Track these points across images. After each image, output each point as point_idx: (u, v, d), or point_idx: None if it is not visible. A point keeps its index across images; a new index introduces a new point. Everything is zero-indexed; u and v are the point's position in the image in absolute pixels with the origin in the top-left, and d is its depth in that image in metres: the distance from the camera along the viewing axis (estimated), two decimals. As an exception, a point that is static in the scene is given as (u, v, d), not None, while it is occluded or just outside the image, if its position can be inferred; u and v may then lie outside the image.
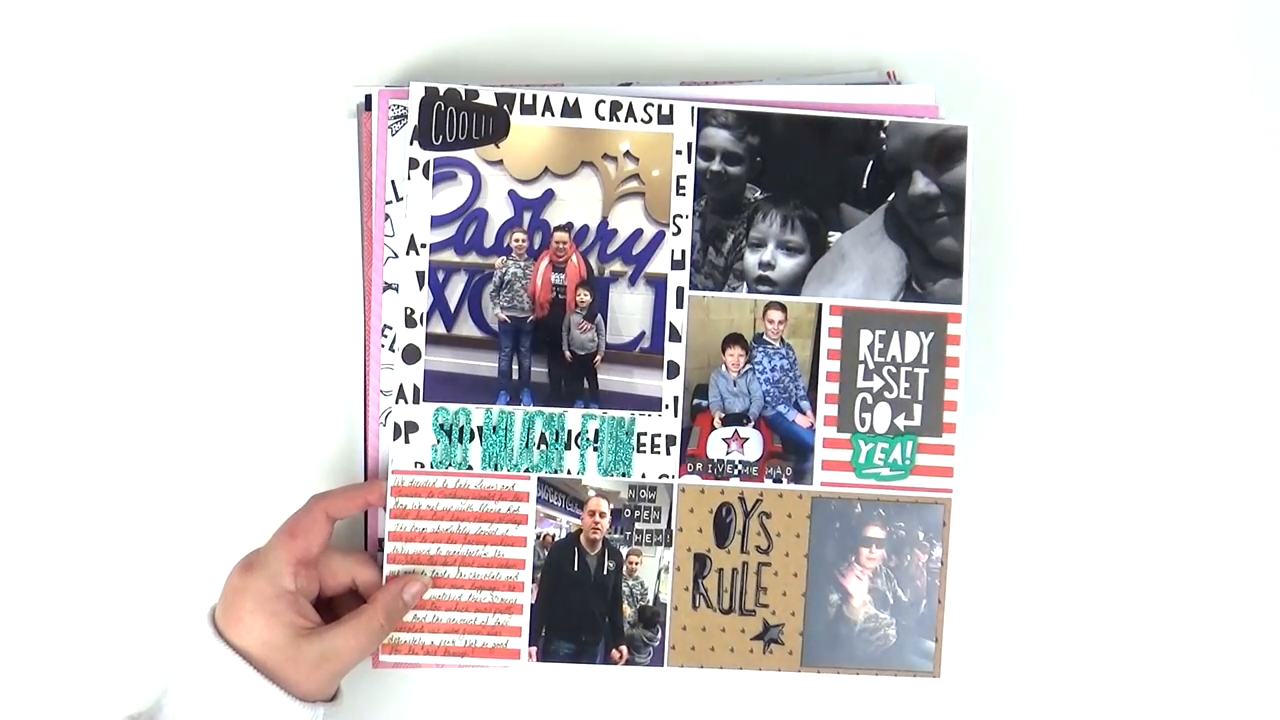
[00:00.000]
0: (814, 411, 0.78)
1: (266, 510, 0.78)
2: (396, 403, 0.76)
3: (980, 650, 0.83)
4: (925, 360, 0.79)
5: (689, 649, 0.78)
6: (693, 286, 0.78)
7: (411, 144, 0.76)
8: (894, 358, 0.78)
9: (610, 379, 0.78)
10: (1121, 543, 0.83)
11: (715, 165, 0.78)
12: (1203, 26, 0.83)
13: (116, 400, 0.79)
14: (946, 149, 0.78)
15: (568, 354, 0.78)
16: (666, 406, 0.78)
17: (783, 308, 0.78)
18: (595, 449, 0.78)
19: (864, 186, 0.78)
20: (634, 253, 0.78)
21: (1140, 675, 0.83)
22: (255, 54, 0.80)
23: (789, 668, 0.78)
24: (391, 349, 0.77)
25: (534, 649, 0.77)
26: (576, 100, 0.77)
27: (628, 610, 0.78)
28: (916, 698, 0.82)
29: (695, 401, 0.78)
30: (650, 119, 0.77)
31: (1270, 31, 0.83)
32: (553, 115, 0.77)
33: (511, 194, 0.77)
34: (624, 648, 0.78)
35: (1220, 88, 0.83)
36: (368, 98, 0.77)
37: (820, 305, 0.78)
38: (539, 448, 0.77)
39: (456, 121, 0.77)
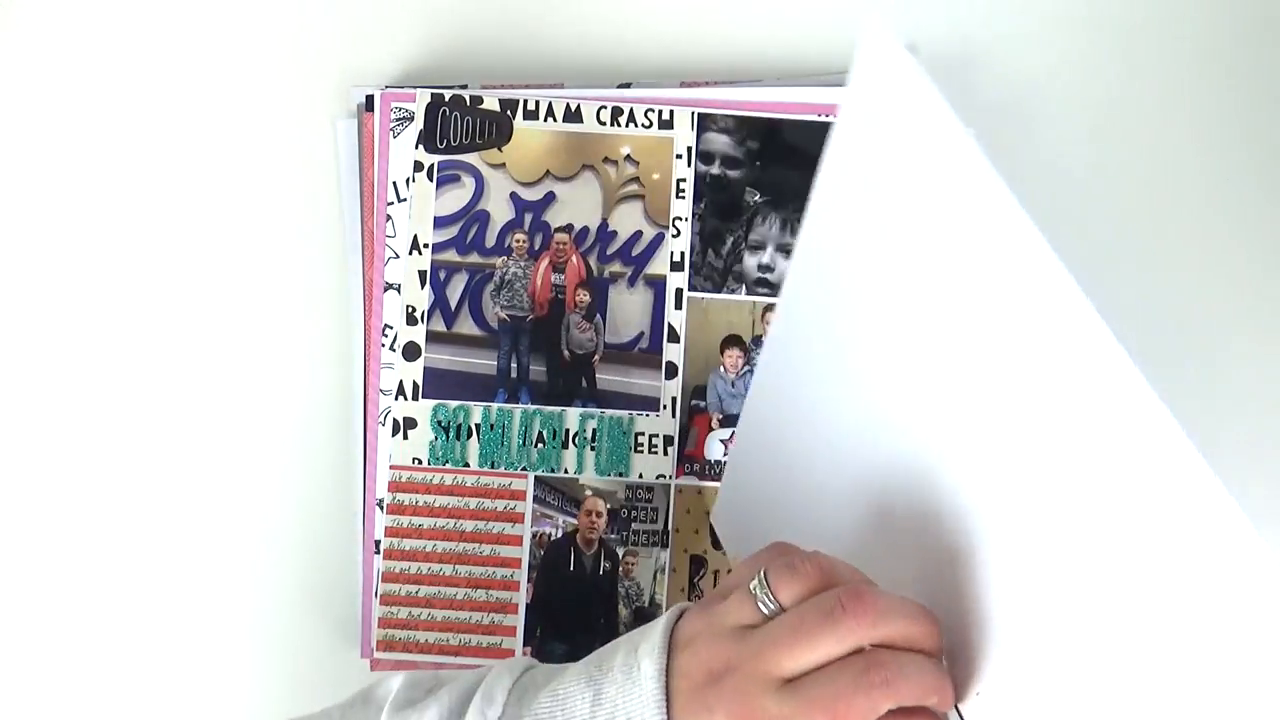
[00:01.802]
0: (813, 414, 0.78)
1: (265, 508, 0.79)
2: (396, 399, 0.77)
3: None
4: (926, 364, 0.78)
5: (684, 651, 0.77)
6: (691, 288, 0.78)
7: (417, 148, 0.78)
8: (894, 361, 0.78)
9: (608, 379, 0.78)
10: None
11: (715, 169, 0.78)
12: (1208, 32, 0.82)
13: (116, 400, 0.80)
14: (947, 154, 0.78)
15: (566, 353, 0.78)
16: (664, 407, 0.78)
17: (782, 310, 0.78)
18: (593, 448, 0.78)
19: (864, 191, 0.78)
20: (633, 254, 0.78)
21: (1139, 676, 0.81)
22: (254, 53, 0.81)
23: (785, 671, 0.77)
24: (392, 348, 0.78)
25: (528, 650, 0.77)
26: (579, 106, 0.78)
27: (623, 611, 0.77)
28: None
29: (693, 402, 0.78)
30: (651, 124, 0.78)
31: (1275, 37, 0.83)
32: (555, 120, 0.78)
33: (513, 196, 0.78)
34: (619, 649, 0.77)
35: (1225, 93, 0.82)
36: (369, 98, 0.78)
37: (819, 308, 0.78)
38: (536, 446, 0.77)
39: (461, 126, 0.78)
